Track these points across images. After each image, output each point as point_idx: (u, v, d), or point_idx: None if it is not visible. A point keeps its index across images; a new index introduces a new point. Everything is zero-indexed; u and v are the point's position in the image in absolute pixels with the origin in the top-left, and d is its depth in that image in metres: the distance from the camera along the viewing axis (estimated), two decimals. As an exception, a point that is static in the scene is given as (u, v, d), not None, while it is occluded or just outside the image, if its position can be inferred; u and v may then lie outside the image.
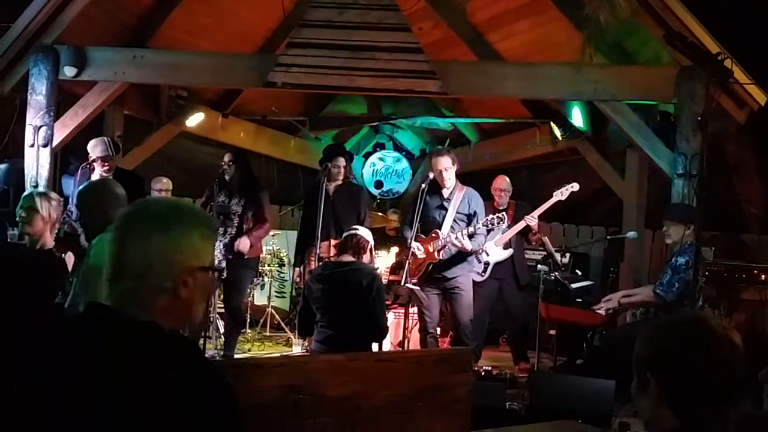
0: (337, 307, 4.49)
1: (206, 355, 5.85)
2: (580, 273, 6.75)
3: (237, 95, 8.34)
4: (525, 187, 8.22)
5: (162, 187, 7.02)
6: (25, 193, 4.14)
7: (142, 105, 7.80)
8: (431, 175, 5.69)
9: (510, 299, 6.46)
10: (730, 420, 1.61)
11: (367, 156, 9.20)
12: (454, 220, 5.67)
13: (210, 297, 1.58)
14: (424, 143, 9.40)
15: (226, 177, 5.94)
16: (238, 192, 5.91)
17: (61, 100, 6.43)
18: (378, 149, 9.23)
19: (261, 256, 6.63)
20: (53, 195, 4.09)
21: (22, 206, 3.94)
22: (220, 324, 6.53)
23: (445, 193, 5.73)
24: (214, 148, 8.38)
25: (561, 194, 6.11)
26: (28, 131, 6.16)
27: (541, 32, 6.74)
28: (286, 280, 7.86)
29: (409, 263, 5.52)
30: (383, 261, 7.09)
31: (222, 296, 6.31)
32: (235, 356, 6.04)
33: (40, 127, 6.13)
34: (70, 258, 4.03)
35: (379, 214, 8.35)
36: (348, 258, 4.58)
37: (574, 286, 5.87)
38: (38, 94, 6.14)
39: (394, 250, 7.28)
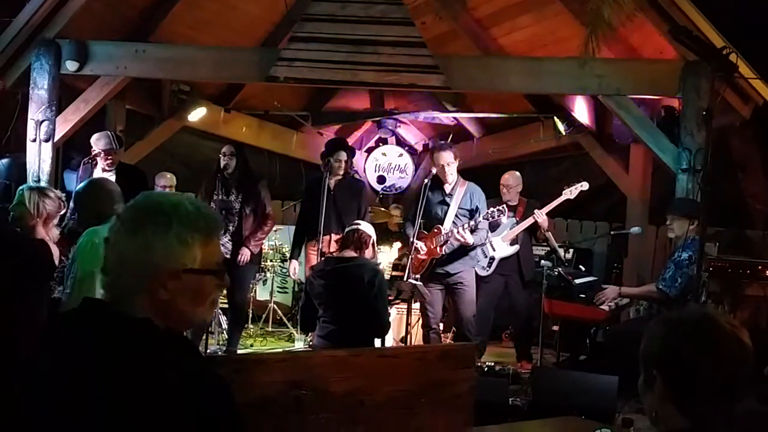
0: (339, 303, 4.48)
1: (209, 351, 5.88)
2: (583, 268, 6.74)
3: (239, 90, 8.31)
4: (529, 183, 8.19)
5: (166, 182, 7.01)
6: (19, 188, 4.12)
7: (144, 99, 7.78)
8: (434, 171, 5.68)
9: (515, 295, 6.44)
10: (736, 417, 1.59)
11: (369, 151, 9.18)
12: (456, 216, 5.66)
13: (214, 299, 1.55)
14: (427, 138, 9.38)
15: (227, 170, 5.89)
16: (236, 187, 5.89)
17: (62, 95, 6.42)
18: (380, 144, 9.21)
19: (263, 251, 6.61)
20: (51, 191, 4.04)
21: (15, 201, 3.95)
22: (223, 319, 6.53)
23: (447, 188, 5.72)
24: (216, 143, 8.34)
25: (570, 193, 6.09)
26: (30, 126, 6.15)
27: (545, 26, 6.70)
28: (288, 276, 7.84)
29: (411, 259, 5.51)
30: (385, 256, 7.08)
31: (225, 292, 6.29)
32: (238, 352, 6.03)
33: (42, 121, 6.12)
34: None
35: (382, 209, 8.35)
36: (350, 253, 4.56)
37: (577, 281, 5.85)
38: (40, 89, 6.13)
39: (397, 245, 7.27)
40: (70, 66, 6.12)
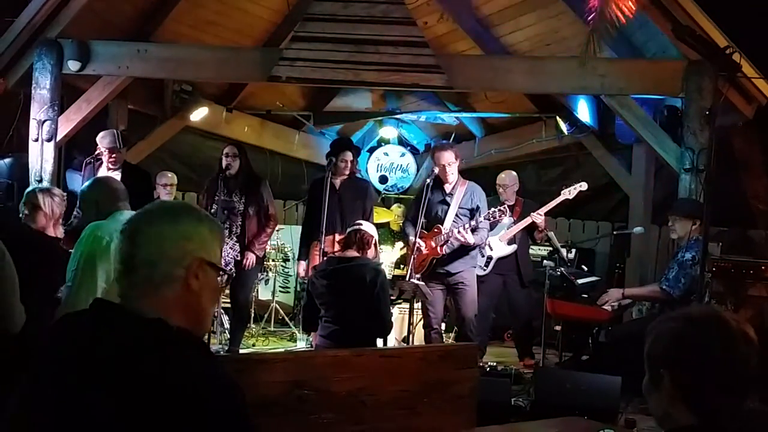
0: (342, 303, 4.47)
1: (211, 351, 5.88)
2: (586, 269, 6.72)
3: (241, 89, 8.31)
4: (531, 182, 8.20)
5: (167, 181, 7.00)
6: (27, 189, 4.15)
7: (146, 99, 7.79)
8: (436, 170, 5.67)
9: (514, 295, 6.43)
10: (743, 416, 1.58)
11: (371, 151, 9.18)
12: (457, 215, 5.65)
13: (218, 300, 1.61)
14: (429, 138, 9.37)
15: (230, 171, 5.86)
16: (239, 188, 5.87)
17: (65, 95, 6.43)
18: (382, 144, 9.21)
19: (266, 250, 6.61)
20: (56, 191, 4.11)
21: (24, 202, 3.96)
22: (225, 319, 6.53)
23: (448, 188, 5.71)
24: (218, 143, 8.34)
25: (569, 193, 6.08)
26: (32, 125, 6.15)
27: (548, 26, 6.70)
28: (290, 275, 7.85)
29: (414, 258, 5.50)
30: (387, 256, 7.07)
31: (228, 291, 6.29)
32: (240, 351, 6.03)
33: (44, 121, 6.12)
34: None
35: (384, 209, 8.34)
36: (352, 253, 4.56)
37: (580, 281, 5.84)
38: (42, 89, 6.14)
39: (399, 245, 7.26)
40: (72, 66, 6.12)
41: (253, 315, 7.16)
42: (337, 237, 5.68)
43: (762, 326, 4.98)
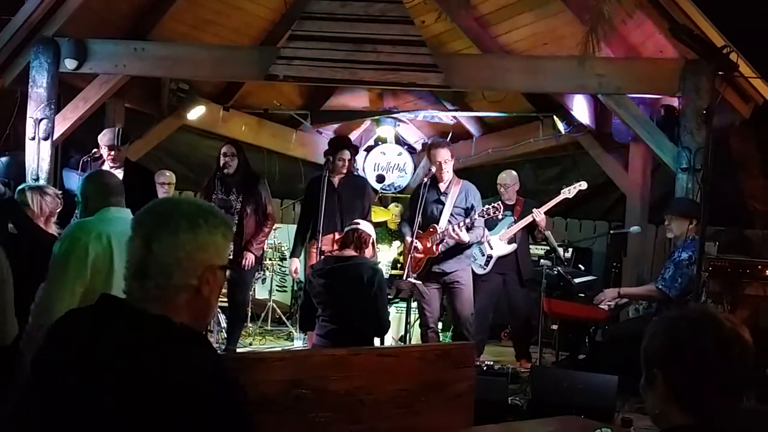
0: (339, 302, 4.47)
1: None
2: (582, 268, 6.73)
3: (238, 88, 8.31)
4: (528, 182, 8.20)
5: (165, 180, 6.99)
6: (19, 187, 4.13)
7: (143, 98, 7.77)
8: (433, 169, 5.67)
9: (513, 294, 6.44)
10: (738, 416, 1.59)
11: (368, 150, 9.17)
12: (452, 214, 5.65)
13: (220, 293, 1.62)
14: (427, 137, 9.37)
15: (228, 170, 5.86)
16: (236, 187, 5.87)
17: (61, 93, 6.41)
18: (380, 143, 9.20)
19: (264, 250, 6.60)
20: (49, 189, 4.09)
21: (15, 200, 3.96)
22: (222, 318, 6.52)
23: (442, 187, 5.71)
24: (215, 142, 8.33)
25: (569, 192, 6.09)
26: (29, 124, 6.14)
27: (545, 25, 6.69)
28: (287, 274, 7.83)
29: (410, 258, 5.50)
30: (384, 255, 7.07)
31: (225, 290, 6.28)
32: (237, 350, 6.02)
33: (41, 119, 6.12)
34: None
35: (381, 208, 8.34)
36: (349, 252, 4.56)
37: (576, 281, 5.85)
38: (39, 87, 6.13)
39: (396, 244, 7.26)
40: (69, 64, 6.11)
41: (250, 314, 7.15)
42: (337, 236, 5.68)
43: (758, 325, 4.99)
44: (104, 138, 5.67)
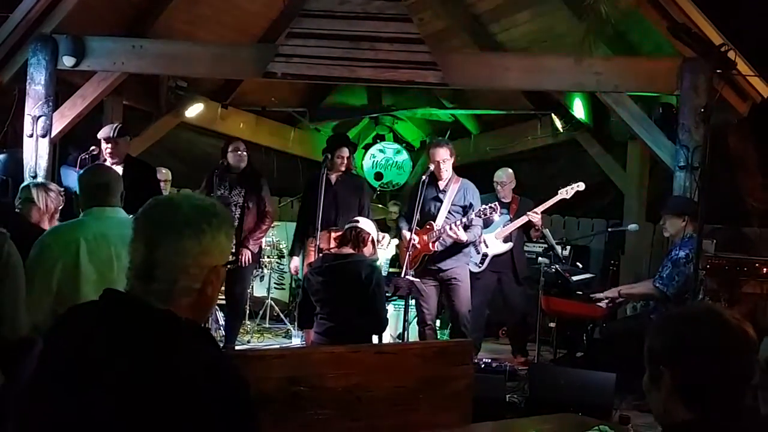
0: (337, 300, 4.47)
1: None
2: (580, 265, 6.74)
3: (237, 86, 8.30)
4: (526, 180, 8.20)
5: (161, 177, 6.97)
6: (23, 184, 4.14)
7: (142, 95, 7.77)
8: (432, 167, 5.67)
9: (509, 292, 6.45)
10: (741, 413, 1.59)
11: (367, 147, 9.17)
12: (450, 212, 5.65)
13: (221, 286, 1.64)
14: (425, 135, 9.37)
15: (240, 166, 5.91)
16: (239, 183, 5.88)
17: (59, 90, 6.39)
18: (378, 141, 9.21)
19: (261, 246, 6.60)
20: (53, 186, 4.11)
21: (20, 197, 3.96)
22: (220, 315, 6.52)
23: (441, 185, 5.72)
24: (213, 139, 8.35)
25: (566, 193, 6.10)
26: (27, 121, 6.13)
27: (543, 23, 6.70)
28: (285, 272, 7.85)
29: (409, 255, 5.51)
30: (382, 253, 7.07)
31: (223, 288, 6.28)
32: (235, 347, 6.03)
33: (39, 117, 6.10)
34: None
35: (380, 205, 8.34)
36: (348, 250, 4.56)
37: (574, 278, 5.86)
38: (37, 84, 6.11)
39: (395, 241, 7.26)
40: (67, 61, 6.09)
41: (248, 311, 7.15)
42: (334, 234, 5.68)
43: (756, 323, 5.01)
44: (102, 132, 5.66)
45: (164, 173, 7.05)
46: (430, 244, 5.60)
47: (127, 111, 7.59)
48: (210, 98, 8.19)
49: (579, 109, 7.31)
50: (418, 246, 5.63)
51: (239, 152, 5.90)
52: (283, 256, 7.71)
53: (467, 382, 3.51)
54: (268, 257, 7.44)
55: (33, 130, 6.10)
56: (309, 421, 3.08)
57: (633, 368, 1.68)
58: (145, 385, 1.38)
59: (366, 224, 4.67)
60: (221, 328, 6.42)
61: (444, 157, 5.62)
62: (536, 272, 5.93)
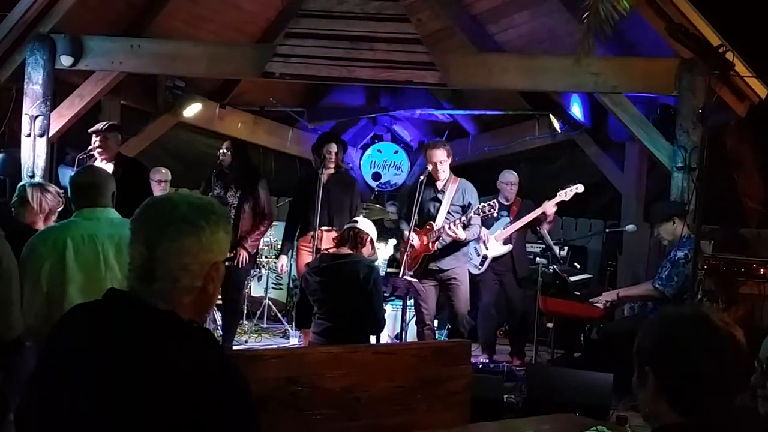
0: (335, 300, 4.47)
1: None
2: (578, 266, 6.74)
3: (235, 86, 8.29)
4: (524, 180, 8.20)
5: (161, 177, 6.99)
6: (20, 184, 4.14)
7: (139, 95, 7.76)
8: (430, 167, 5.68)
9: (510, 294, 6.47)
10: (730, 415, 1.59)
11: (364, 148, 9.17)
12: (449, 212, 5.66)
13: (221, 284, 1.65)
14: (423, 135, 9.37)
15: (224, 165, 5.88)
16: (234, 184, 5.87)
17: (57, 90, 6.39)
18: (376, 141, 9.20)
19: (259, 247, 6.60)
20: (51, 187, 4.09)
21: (15, 196, 3.97)
22: (218, 315, 6.52)
23: (439, 185, 5.72)
24: (211, 139, 8.34)
25: (565, 195, 6.11)
26: (25, 121, 6.13)
27: (542, 23, 6.70)
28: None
29: (407, 255, 5.51)
30: (380, 253, 7.07)
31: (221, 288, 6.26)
32: (233, 348, 6.02)
33: (37, 116, 6.10)
34: None
35: (377, 206, 8.34)
36: (346, 250, 4.56)
37: (572, 279, 5.87)
38: (35, 84, 6.11)
39: (392, 242, 7.26)
40: (65, 61, 6.09)
41: (246, 311, 7.15)
42: (326, 233, 5.68)
43: (753, 323, 5.02)
44: (93, 128, 5.67)
45: (164, 173, 7.05)
46: (430, 245, 5.60)
47: (125, 111, 7.59)
48: (208, 98, 8.17)
49: (577, 110, 7.31)
50: (418, 247, 5.63)
51: (220, 150, 5.89)
52: (281, 256, 7.70)
53: (465, 382, 3.51)
54: (266, 257, 7.44)
55: (31, 129, 6.10)
56: (307, 421, 3.08)
57: (630, 369, 1.68)
58: (148, 386, 1.38)
59: (365, 225, 4.67)
60: (219, 328, 6.41)
61: (441, 158, 5.62)
62: (534, 272, 5.94)
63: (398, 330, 5.99)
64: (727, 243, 6.32)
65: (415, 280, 5.42)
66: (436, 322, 6.12)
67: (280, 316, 7.42)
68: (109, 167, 5.42)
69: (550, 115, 7.86)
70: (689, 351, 1.57)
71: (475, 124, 8.90)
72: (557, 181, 6.46)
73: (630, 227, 6.33)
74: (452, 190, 5.70)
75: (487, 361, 6.23)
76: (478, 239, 6.05)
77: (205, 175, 6.12)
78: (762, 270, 5.55)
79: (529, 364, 5.83)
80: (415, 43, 5.87)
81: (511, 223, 6.26)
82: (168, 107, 7.86)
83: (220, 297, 5.91)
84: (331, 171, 5.92)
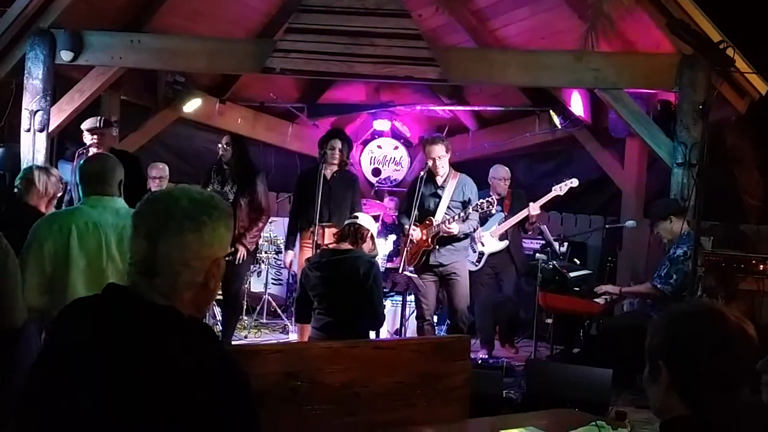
0: (335, 295, 4.47)
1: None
2: (578, 262, 6.75)
3: (235, 81, 8.28)
4: (524, 176, 8.21)
5: (159, 173, 6.97)
6: (25, 166, 4.18)
7: (139, 90, 7.75)
8: (430, 163, 5.68)
9: (507, 288, 6.48)
10: (740, 408, 1.60)
11: (365, 143, 9.16)
12: (449, 207, 5.67)
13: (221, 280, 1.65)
14: (423, 131, 9.36)
15: (223, 160, 5.89)
16: (232, 178, 5.87)
17: (57, 85, 6.39)
18: (376, 137, 9.20)
19: (258, 242, 6.60)
20: (54, 171, 4.18)
21: (20, 178, 4.00)
22: (217, 311, 6.53)
23: (439, 180, 5.73)
24: (211, 134, 8.33)
25: (560, 189, 6.12)
26: (25, 116, 6.13)
27: (542, 19, 6.69)
28: (282, 267, 7.84)
29: (407, 250, 5.51)
30: (380, 248, 7.07)
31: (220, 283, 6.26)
32: (232, 343, 6.03)
33: (37, 111, 6.10)
34: None
35: (377, 201, 8.34)
36: (346, 246, 4.56)
37: (572, 274, 5.87)
38: (34, 79, 6.10)
39: (392, 237, 7.26)
40: (65, 56, 6.08)
41: (245, 307, 7.16)
42: (327, 228, 5.68)
43: (753, 320, 5.02)
44: (86, 124, 5.66)
45: (161, 168, 7.02)
46: (430, 240, 5.61)
47: (125, 106, 7.58)
48: (208, 93, 8.17)
49: (577, 106, 7.30)
50: (417, 242, 5.64)
51: (219, 145, 5.90)
52: (281, 252, 7.68)
53: (465, 378, 3.51)
54: (266, 252, 7.44)
55: (30, 124, 6.10)
56: (306, 416, 3.08)
57: (630, 364, 1.70)
58: (148, 382, 1.38)
59: (365, 220, 4.68)
60: (218, 323, 6.42)
61: (440, 153, 5.62)
62: (534, 268, 5.94)
63: (398, 325, 5.99)
64: (726, 239, 6.32)
65: (415, 275, 5.42)
66: (435, 318, 6.13)
67: (279, 311, 7.42)
68: None
69: (551, 111, 7.86)
70: (702, 345, 1.58)
71: (474, 120, 8.90)
72: (557, 177, 6.47)
73: (630, 223, 6.34)
74: (452, 185, 5.71)
75: (487, 356, 6.24)
76: (472, 238, 6.05)
77: (206, 170, 6.12)
78: (762, 266, 5.55)
79: (529, 360, 5.84)
80: (416, 39, 5.87)
81: (505, 218, 6.27)
82: (168, 102, 7.85)
83: (220, 292, 5.95)
84: (335, 167, 5.89)
